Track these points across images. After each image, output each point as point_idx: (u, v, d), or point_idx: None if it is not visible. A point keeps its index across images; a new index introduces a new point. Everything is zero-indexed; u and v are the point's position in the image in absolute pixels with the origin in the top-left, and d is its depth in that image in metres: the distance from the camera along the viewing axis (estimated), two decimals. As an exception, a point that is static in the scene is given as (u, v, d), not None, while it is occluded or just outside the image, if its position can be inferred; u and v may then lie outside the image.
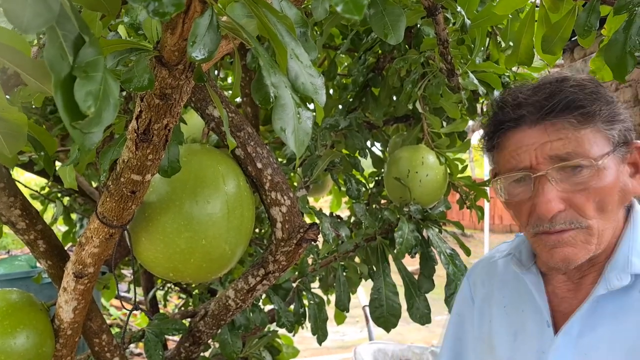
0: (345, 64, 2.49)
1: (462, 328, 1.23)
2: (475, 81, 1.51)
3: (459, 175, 2.01)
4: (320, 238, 1.54)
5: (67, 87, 0.38)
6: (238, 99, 2.25)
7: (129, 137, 0.79)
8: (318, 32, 1.76)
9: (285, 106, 0.48)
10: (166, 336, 1.41)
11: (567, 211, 0.92)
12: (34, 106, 2.45)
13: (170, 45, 0.59)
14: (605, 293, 0.94)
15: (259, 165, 1.11)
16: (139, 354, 4.91)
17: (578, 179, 0.91)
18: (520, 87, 1.01)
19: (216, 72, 2.06)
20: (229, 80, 2.79)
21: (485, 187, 2.03)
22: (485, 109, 2.04)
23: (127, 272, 4.81)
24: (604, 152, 0.92)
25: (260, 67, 0.52)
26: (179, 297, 4.71)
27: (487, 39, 1.74)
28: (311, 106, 0.76)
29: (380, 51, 1.94)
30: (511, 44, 1.58)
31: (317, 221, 1.63)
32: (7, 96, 1.00)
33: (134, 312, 1.29)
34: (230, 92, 2.38)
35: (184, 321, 1.58)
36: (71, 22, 0.41)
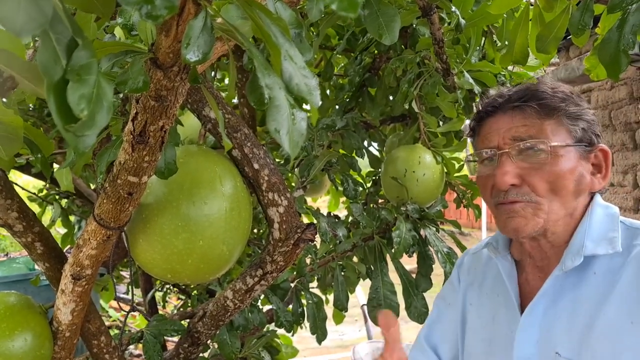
0: (342, 64, 2.49)
1: (442, 310, 1.36)
2: (471, 80, 1.52)
3: (456, 174, 2.02)
4: (318, 238, 1.55)
5: (60, 91, 0.38)
6: (235, 100, 2.25)
7: (125, 139, 0.79)
8: (314, 33, 1.76)
9: (279, 107, 0.48)
10: (165, 337, 1.41)
11: (521, 187, 1.05)
12: (30, 108, 2.46)
13: (165, 47, 0.59)
14: (560, 274, 1.05)
15: (256, 166, 1.11)
16: (138, 356, 4.90)
17: (535, 160, 1.04)
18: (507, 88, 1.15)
19: (213, 73, 2.06)
20: (226, 81, 2.79)
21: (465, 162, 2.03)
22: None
23: (126, 273, 4.80)
24: (563, 143, 1.04)
25: (255, 68, 0.53)
26: (178, 298, 4.71)
27: (483, 38, 1.75)
28: (307, 106, 0.76)
29: (376, 51, 1.94)
30: (507, 42, 1.58)
31: (315, 221, 1.64)
32: (4, 99, 1.00)
33: (133, 313, 1.29)
34: (227, 93, 2.38)
35: (182, 322, 1.59)
36: (64, 25, 0.41)
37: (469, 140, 1.27)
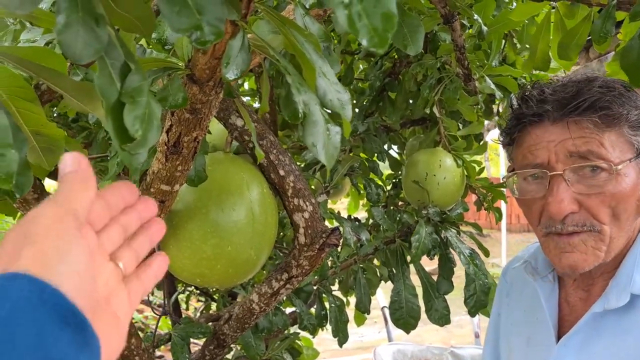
0: (362, 67, 2.51)
1: (499, 328, 1.22)
2: (492, 85, 1.53)
3: (476, 178, 2.03)
4: (341, 241, 1.57)
5: (117, 113, 0.41)
6: (256, 104, 2.29)
7: (159, 149, 0.82)
8: (335, 39, 1.79)
9: (316, 123, 0.51)
10: (190, 340, 1.44)
11: (580, 213, 0.90)
12: (55, 114, 2.51)
13: (202, 64, 0.62)
14: (602, 311, 0.91)
15: (282, 173, 1.13)
16: (160, 357, 4.96)
17: (595, 182, 0.88)
18: (547, 83, 0.98)
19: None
20: (246, 85, 2.82)
21: (502, 189, 2.04)
22: (500, 110, 2.06)
23: (148, 276, 4.85)
24: (625, 158, 0.88)
25: (290, 84, 0.55)
26: (198, 301, 4.76)
27: (504, 42, 1.75)
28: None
29: (396, 56, 1.96)
30: (527, 46, 1.59)
31: (338, 225, 1.66)
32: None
33: (155, 315, 1.32)
34: (249, 98, 2.42)
35: (208, 324, 1.62)
36: (117, 51, 0.44)
37: (500, 147, 1.09)
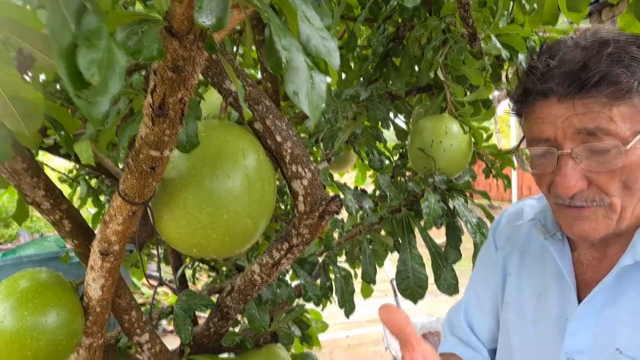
0: (365, 35, 2.45)
1: (482, 280, 1.25)
2: (499, 45, 1.47)
3: (484, 144, 1.97)
4: (345, 211, 1.53)
5: (70, 56, 0.37)
6: (259, 76, 2.24)
7: (145, 112, 0.78)
8: (335, 3, 1.73)
9: (297, 69, 0.46)
10: (196, 313, 1.42)
11: (589, 189, 0.88)
12: (58, 90, 2.48)
13: (179, 14, 0.58)
14: (632, 264, 0.90)
15: (279, 139, 1.09)
16: (172, 331, 5.00)
17: (604, 158, 0.85)
18: (555, 49, 0.91)
19: (235, 48, 2.04)
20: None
21: (511, 155, 2.00)
22: (509, 77, 1.99)
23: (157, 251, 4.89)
24: (636, 129, 0.83)
25: (271, 31, 0.51)
26: (208, 276, 4.78)
27: (511, 2, 1.69)
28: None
29: (399, 20, 1.90)
30: (535, 6, 1.52)
31: (340, 194, 1.62)
32: (28, 75, 1.00)
33: (166, 290, 1.30)
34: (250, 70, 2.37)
35: (211, 297, 1.60)
36: (73, -10, 0.40)
37: (512, 118, 1.09)
